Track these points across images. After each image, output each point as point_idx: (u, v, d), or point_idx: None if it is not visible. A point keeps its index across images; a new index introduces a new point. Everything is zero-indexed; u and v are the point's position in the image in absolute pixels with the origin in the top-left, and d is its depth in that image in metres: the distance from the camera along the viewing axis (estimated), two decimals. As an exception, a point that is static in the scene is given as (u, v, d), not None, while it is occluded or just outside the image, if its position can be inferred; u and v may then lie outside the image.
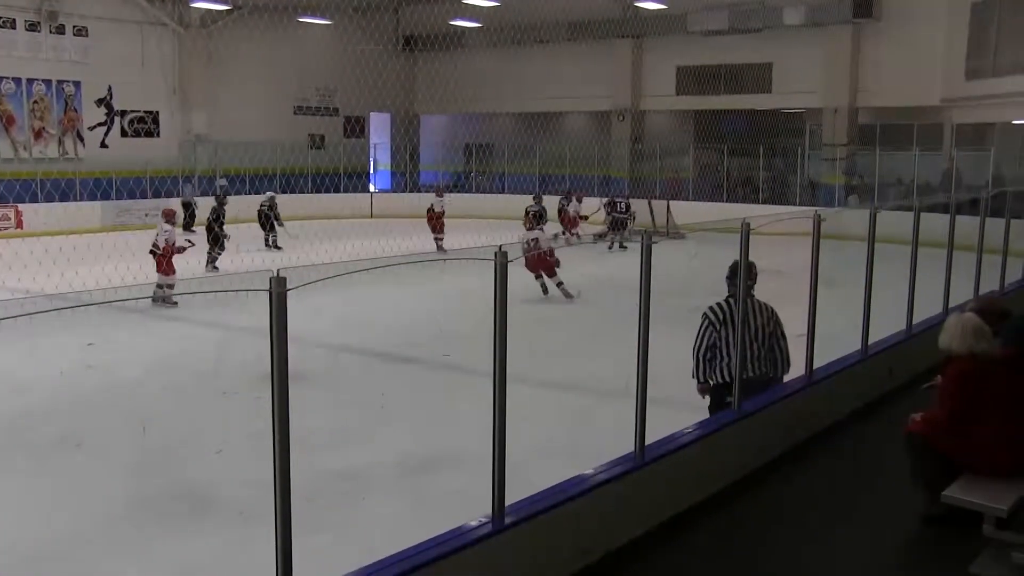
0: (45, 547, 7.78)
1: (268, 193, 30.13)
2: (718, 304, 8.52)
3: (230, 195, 28.57)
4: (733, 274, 8.49)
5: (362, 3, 36.79)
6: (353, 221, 33.75)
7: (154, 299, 18.34)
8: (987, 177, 30.74)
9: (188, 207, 32.42)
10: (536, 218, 26.51)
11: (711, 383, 8.59)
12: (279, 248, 27.22)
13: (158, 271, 18.93)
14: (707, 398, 8.66)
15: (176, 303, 18.29)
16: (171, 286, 18.54)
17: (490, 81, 38.77)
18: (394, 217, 35.46)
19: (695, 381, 8.76)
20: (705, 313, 8.41)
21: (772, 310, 8.62)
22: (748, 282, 8.43)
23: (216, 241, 23.52)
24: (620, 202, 29.93)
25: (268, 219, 28.26)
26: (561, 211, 30.02)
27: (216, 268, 23.02)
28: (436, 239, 27.62)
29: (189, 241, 20.12)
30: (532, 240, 19.68)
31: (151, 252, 19.31)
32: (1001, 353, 7.35)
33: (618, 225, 28.74)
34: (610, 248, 27.46)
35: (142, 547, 7.75)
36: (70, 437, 10.38)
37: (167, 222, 20.09)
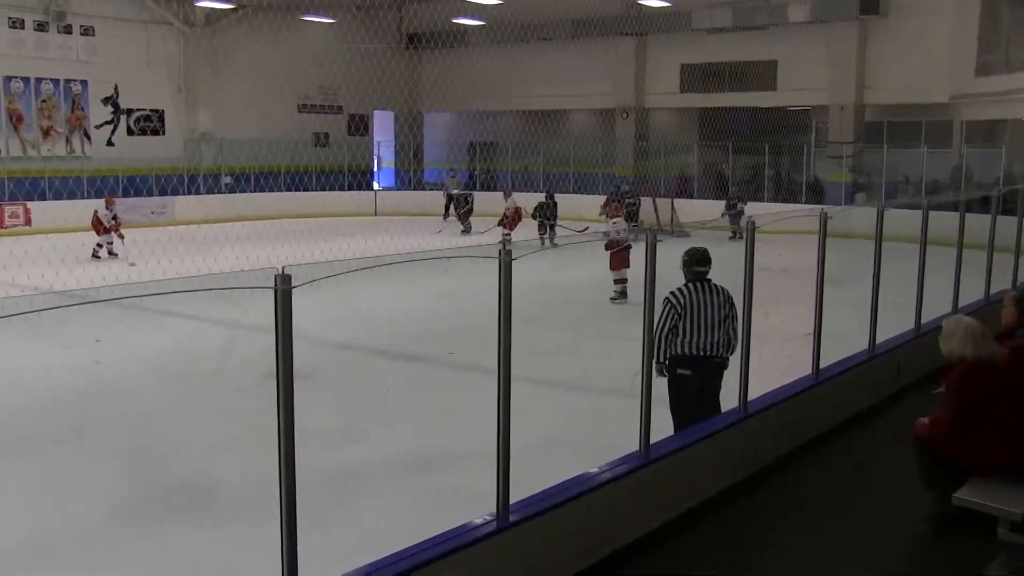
0: (49, 543, 7.78)
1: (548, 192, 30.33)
2: (679, 289, 8.68)
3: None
4: (690, 261, 8.80)
5: (365, 2, 36.75)
6: (357, 219, 33.83)
7: (614, 296, 18.36)
8: (998, 174, 30.50)
9: (455, 199, 33.33)
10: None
11: (668, 359, 8.70)
12: (555, 245, 26.41)
13: (612, 268, 18.49)
14: (665, 376, 8.71)
15: (626, 299, 18.11)
16: (623, 280, 18.36)
17: (493, 79, 38.65)
18: (398, 215, 35.50)
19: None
20: (667, 298, 8.53)
21: (728, 293, 8.75)
22: (703, 268, 8.77)
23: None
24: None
25: (544, 216, 28.47)
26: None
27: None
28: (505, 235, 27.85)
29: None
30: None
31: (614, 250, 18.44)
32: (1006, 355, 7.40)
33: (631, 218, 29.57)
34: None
35: (145, 544, 7.74)
36: (78, 433, 10.42)
37: (614, 217, 19.83)
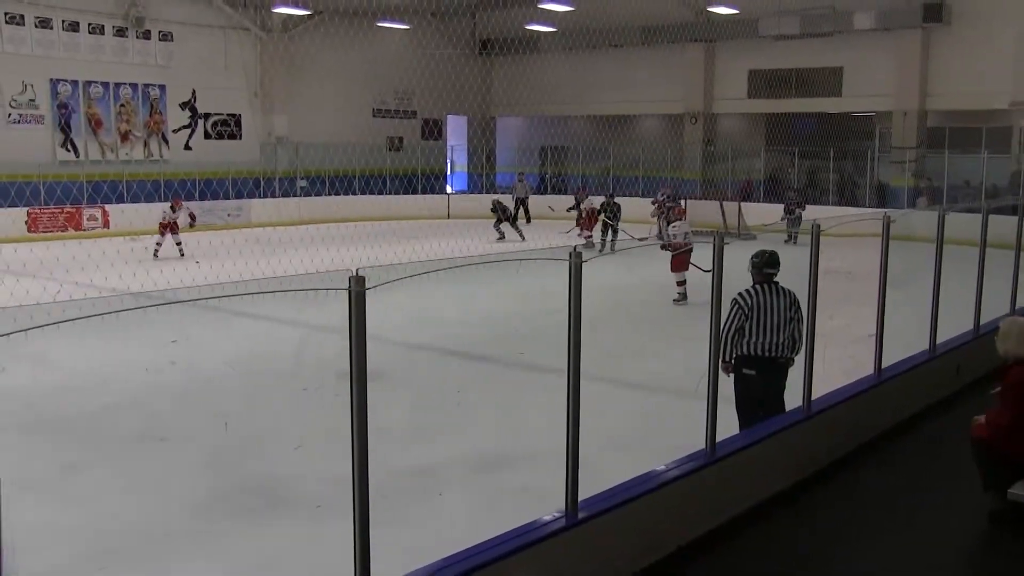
0: (128, 538, 7.93)
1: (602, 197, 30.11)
2: (747, 291, 8.77)
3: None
4: (759, 263, 8.85)
5: (440, 8, 37.07)
6: (430, 222, 34.11)
7: (677, 298, 18.64)
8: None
9: (521, 203, 33.15)
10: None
11: (734, 359, 8.80)
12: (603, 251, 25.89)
13: (672, 270, 18.75)
14: (731, 376, 8.81)
15: (686, 300, 18.43)
16: (682, 282, 18.65)
17: (565, 84, 38.96)
18: (471, 218, 35.71)
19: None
20: (735, 299, 8.64)
21: (794, 295, 8.82)
22: (771, 271, 8.82)
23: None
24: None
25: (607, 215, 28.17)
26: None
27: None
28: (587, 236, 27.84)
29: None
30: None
31: (665, 248, 19.00)
32: None
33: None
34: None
35: (221, 540, 7.87)
36: (154, 432, 10.61)
37: (676, 220, 20.38)
